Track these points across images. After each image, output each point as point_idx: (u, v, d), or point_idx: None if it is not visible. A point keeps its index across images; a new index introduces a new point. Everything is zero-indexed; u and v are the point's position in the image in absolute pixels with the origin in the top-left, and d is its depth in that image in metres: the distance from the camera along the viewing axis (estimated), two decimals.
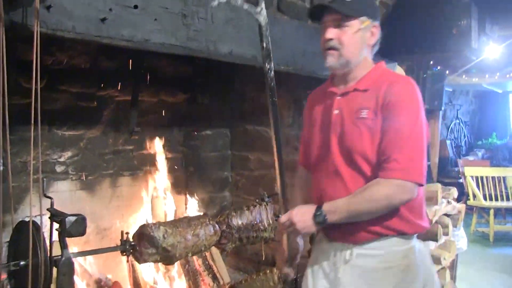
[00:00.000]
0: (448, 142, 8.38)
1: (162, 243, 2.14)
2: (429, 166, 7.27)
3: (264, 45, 1.90)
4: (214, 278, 3.30)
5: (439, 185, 3.10)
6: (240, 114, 4.07)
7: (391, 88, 1.67)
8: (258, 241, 2.64)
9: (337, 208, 1.67)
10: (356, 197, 1.65)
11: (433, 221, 3.08)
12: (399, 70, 6.33)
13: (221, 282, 3.25)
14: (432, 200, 3.04)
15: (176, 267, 3.29)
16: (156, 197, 3.47)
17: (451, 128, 9.15)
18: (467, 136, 9.61)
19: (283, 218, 1.81)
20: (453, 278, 3.87)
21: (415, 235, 1.80)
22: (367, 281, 1.72)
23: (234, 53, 2.41)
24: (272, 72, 1.95)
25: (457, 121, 9.30)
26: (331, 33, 1.74)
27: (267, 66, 1.92)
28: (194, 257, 3.27)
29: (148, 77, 3.17)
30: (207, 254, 3.37)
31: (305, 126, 2.10)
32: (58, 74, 2.74)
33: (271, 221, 2.66)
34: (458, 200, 7.13)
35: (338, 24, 1.73)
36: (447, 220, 3.23)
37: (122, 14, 1.90)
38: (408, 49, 3.59)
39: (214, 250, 3.39)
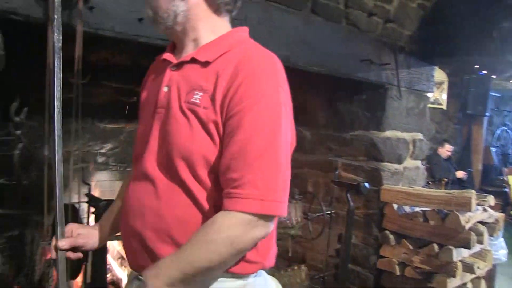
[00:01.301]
0: (493, 149, 8.15)
1: None
2: (471, 173, 7.13)
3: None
4: None
5: (473, 192, 3.05)
6: None
7: (240, 69, 1.14)
8: (285, 238, 2.70)
9: (160, 271, 1.12)
10: (187, 247, 1.12)
11: (466, 228, 3.04)
12: (440, 73, 6.25)
13: None
14: (465, 206, 3.01)
15: None
16: None
17: (498, 135, 8.89)
18: None
19: None
20: None
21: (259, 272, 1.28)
22: None
23: None
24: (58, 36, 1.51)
25: (505, 128, 9.02)
26: None
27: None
28: None
29: None
30: None
31: (140, 108, 1.43)
32: (101, 70, 2.89)
33: (299, 219, 2.72)
34: (503, 209, 6.98)
35: None
36: (482, 228, 3.18)
37: None
38: (449, 52, 3.55)
39: None
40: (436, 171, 6.33)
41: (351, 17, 3.02)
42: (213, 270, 1.13)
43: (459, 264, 3.08)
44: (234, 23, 2.29)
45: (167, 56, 1.29)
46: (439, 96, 6.36)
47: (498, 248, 3.64)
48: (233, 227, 1.09)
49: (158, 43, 1.99)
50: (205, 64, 1.20)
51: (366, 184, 2.96)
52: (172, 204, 1.17)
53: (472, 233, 3.04)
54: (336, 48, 2.89)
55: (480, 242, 3.16)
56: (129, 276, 1.43)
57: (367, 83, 3.32)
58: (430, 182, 6.32)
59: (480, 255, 3.36)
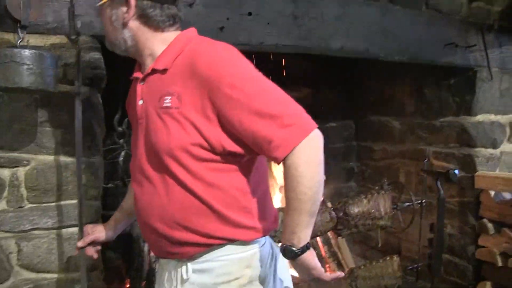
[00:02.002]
0: None
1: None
2: None
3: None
4: (339, 265, 3.44)
5: None
6: (363, 105, 4.16)
7: (197, 64, 1.30)
8: (374, 229, 2.72)
9: (290, 226, 1.32)
10: (291, 201, 1.31)
11: None
12: None
13: (346, 269, 3.38)
14: None
15: None
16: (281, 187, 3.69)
17: None
18: None
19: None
20: None
21: (260, 239, 1.46)
22: None
23: (346, 48, 2.53)
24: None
25: None
26: None
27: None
28: (320, 244, 3.45)
29: (274, 75, 3.41)
30: (333, 241, 3.53)
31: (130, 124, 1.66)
32: None
33: (388, 210, 2.73)
34: None
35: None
36: None
37: (238, 22, 2.14)
38: None
39: (340, 239, 3.54)
40: None
41: (431, 1, 2.97)
42: (321, 188, 1.32)
43: None
44: (310, 21, 2.38)
45: (135, 74, 1.50)
46: None
47: None
48: (302, 157, 1.25)
49: (240, 49, 2.09)
50: (164, 71, 1.39)
51: (456, 171, 2.90)
52: (170, 196, 1.37)
53: None
54: (417, 34, 2.86)
55: None
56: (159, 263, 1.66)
57: (453, 68, 3.23)
58: None
59: None
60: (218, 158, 1.34)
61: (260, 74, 1.34)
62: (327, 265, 3.42)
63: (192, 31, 1.48)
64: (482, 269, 3.38)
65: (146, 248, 2.82)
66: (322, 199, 1.38)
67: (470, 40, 3.15)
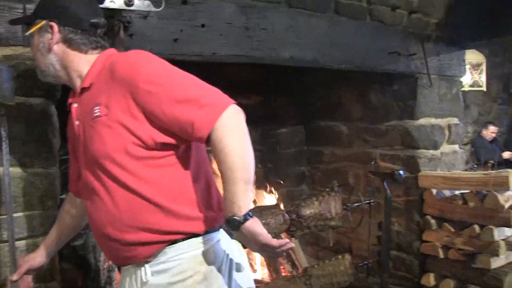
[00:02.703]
0: None
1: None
2: None
3: None
4: (293, 265, 3.55)
5: (510, 171, 3.11)
6: (313, 111, 4.31)
7: (116, 70, 1.42)
8: (325, 229, 2.85)
9: (228, 197, 1.37)
10: (228, 169, 1.35)
11: (506, 207, 3.10)
12: (477, 56, 6.21)
13: (300, 269, 3.50)
14: (503, 186, 3.06)
15: (258, 256, 3.58)
16: None
17: None
18: None
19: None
20: None
21: (213, 233, 1.51)
22: None
23: (295, 58, 2.65)
24: None
25: None
26: None
27: None
28: None
29: (223, 83, 3.48)
30: None
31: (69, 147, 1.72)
32: None
33: (339, 211, 2.86)
34: None
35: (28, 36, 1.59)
36: None
37: (192, 33, 2.22)
38: (481, 34, 3.58)
39: (293, 240, 3.66)
40: (481, 154, 6.29)
41: (375, 13, 3.14)
42: (250, 154, 1.38)
43: (502, 243, 3.14)
44: (261, 32, 2.48)
45: (69, 100, 1.58)
46: (478, 78, 6.31)
47: None
48: (226, 128, 1.33)
49: (194, 59, 2.21)
50: (91, 86, 1.49)
51: (401, 172, 3.07)
52: (115, 200, 1.42)
53: None
54: (363, 44, 3.02)
55: None
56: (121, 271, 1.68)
57: (396, 74, 3.43)
58: (475, 165, 6.29)
59: None
60: (154, 154, 1.40)
61: (173, 67, 1.43)
62: (282, 267, 3.53)
63: (111, 50, 1.59)
64: (427, 262, 3.59)
65: (102, 257, 2.83)
66: (253, 166, 1.39)
67: (411, 49, 3.36)
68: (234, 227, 1.36)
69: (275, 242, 1.39)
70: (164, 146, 1.41)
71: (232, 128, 1.35)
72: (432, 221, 3.49)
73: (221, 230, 1.55)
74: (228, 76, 3.62)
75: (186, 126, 1.34)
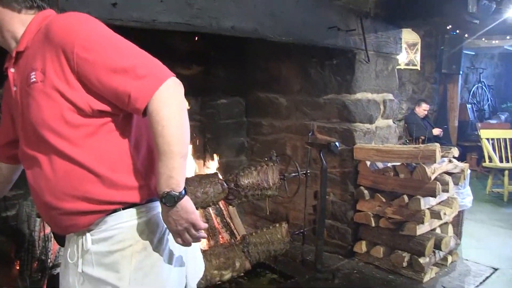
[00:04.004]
0: (468, 106, 8.38)
1: None
2: (447, 130, 7.40)
3: None
4: (232, 234, 3.61)
5: (437, 145, 3.29)
6: (253, 83, 4.34)
7: (51, 32, 1.34)
8: (262, 198, 2.92)
9: (165, 172, 1.35)
10: (161, 146, 1.33)
11: (432, 178, 3.29)
12: (413, 35, 6.42)
13: (238, 237, 3.56)
14: (431, 159, 3.24)
15: None
16: None
17: (473, 92, 9.14)
18: (491, 99, 9.55)
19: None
20: (459, 233, 4.10)
21: (155, 202, 1.48)
22: (108, 269, 1.41)
23: (236, 27, 2.64)
24: None
25: (480, 84, 9.25)
26: None
27: None
28: (213, 216, 3.60)
29: (164, 52, 3.44)
30: (225, 213, 3.70)
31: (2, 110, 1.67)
32: None
33: (276, 180, 2.93)
34: (478, 162, 7.26)
35: None
36: (448, 178, 3.43)
37: None
38: (416, 14, 3.71)
39: (232, 209, 3.72)
40: (414, 130, 6.57)
41: None
42: (187, 128, 1.37)
43: (427, 212, 3.34)
44: (203, 0, 2.45)
45: (6, 64, 1.51)
46: (413, 57, 6.55)
47: (465, 196, 3.90)
48: (163, 100, 1.31)
49: (132, 25, 2.17)
50: (26, 50, 1.42)
51: (337, 144, 3.18)
52: (54, 168, 1.37)
53: (438, 183, 3.29)
54: (303, 17, 3.05)
55: (446, 191, 3.41)
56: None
57: (336, 49, 3.50)
58: (408, 141, 6.58)
59: (447, 203, 3.62)
60: (92, 121, 1.36)
61: (111, 32, 1.37)
62: (220, 235, 3.58)
63: (49, 11, 1.50)
64: (359, 230, 3.76)
65: (37, 227, 2.76)
66: (189, 142, 1.40)
67: (350, 24, 3.43)
68: (170, 202, 1.35)
69: (202, 223, 1.43)
70: (102, 113, 1.36)
71: (170, 101, 1.32)
72: (366, 192, 3.64)
73: None
74: (168, 45, 3.58)
75: (123, 97, 1.31)
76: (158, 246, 1.47)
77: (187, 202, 1.38)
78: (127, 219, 1.42)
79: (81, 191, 1.37)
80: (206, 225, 1.46)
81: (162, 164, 1.34)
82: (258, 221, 4.44)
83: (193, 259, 1.66)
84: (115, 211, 1.41)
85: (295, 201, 3.96)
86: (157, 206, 1.47)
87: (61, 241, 1.61)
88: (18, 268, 2.76)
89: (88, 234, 1.43)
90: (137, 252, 1.42)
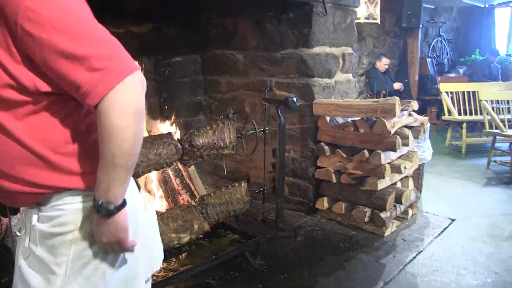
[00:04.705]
0: (428, 60, 8.40)
1: None
2: (408, 84, 7.43)
3: None
4: (192, 195, 3.52)
5: (397, 98, 3.24)
6: (208, 39, 4.17)
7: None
8: (219, 158, 2.82)
9: (104, 181, 1.18)
10: (104, 154, 1.16)
11: (392, 132, 3.26)
12: None
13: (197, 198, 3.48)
14: (390, 113, 3.20)
15: (155, 186, 3.51)
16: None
17: (433, 46, 9.16)
18: (450, 53, 9.61)
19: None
20: (419, 186, 4.13)
21: None
22: (48, 251, 1.27)
23: None
24: None
25: (439, 38, 9.26)
26: None
27: None
28: (172, 177, 3.50)
29: (114, 10, 3.22)
30: (185, 174, 3.60)
31: None
32: None
33: (233, 139, 2.83)
34: (438, 116, 7.35)
35: None
36: (408, 132, 3.40)
37: None
38: None
39: (191, 170, 3.62)
40: (374, 85, 6.56)
41: None
42: (136, 150, 1.18)
43: (388, 166, 3.32)
44: None
45: None
46: (373, 10, 6.45)
47: (425, 149, 3.91)
48: (115, 106, 1.10)
49: None
50: None
51: (294, 99, 3.08)
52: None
53: (398, 137, 3.27)
54: None
55: (406, 144, 3.40)
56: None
57: (292, 2, 3.38)
58: (369, 95, 6.58)
59: (408, 156, 3.62)
60: (40, 98, 1.16)
61: (71, 5, 1.10)
62: (180, 197, 3.49)
63: None
64: (321, 187, 3.74)
65: None
66: (139, 152, 1.20)
67: None
68: (102, 213, 1.20)
69: (130, 241, 1.28)
70: (46, 94, 1.16)
71: (124, 105, 1.11)
72: (326, 148, 3.60)
73: None
74: (119, 2, 3.37)
75: (72, 88, 1.11)
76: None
77: (120, 218, 1.23)
78: (71, 201, 1.26)
79: (20, 172, 1.21)
80: (134, 246, 1.29)
81: (103, 172, 1.17)
82: (219, 180, 4.36)
83: (147, 248, 1.46)
84: (61, 193, 1.25)
85: (256, 159, 3.90)
86: None
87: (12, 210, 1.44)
88: None
89: (35, 210, 1.28)
90: (78, 240, 1.26)
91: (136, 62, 1.23)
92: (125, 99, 1.11)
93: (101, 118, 1.11)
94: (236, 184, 3.04)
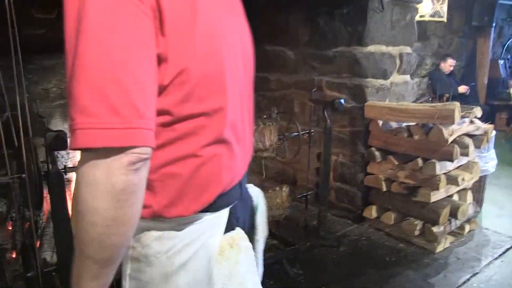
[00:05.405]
0: (500, 62, 7.82)
1: None
2: (475, 88, 6.96)
3: None
4: None
5: (456, 103, 2.96)
6: (259, 35, 4.02)
7: None
8: (258, 160, 2.69)
9: (75, 278, 0.90)
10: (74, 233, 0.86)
11: (450, 141, 2.99)
12: None
13: None
14: (448, 119, 2.94)
15: None
16: None
17: (508, 46, 8.54)
18: None
19: None
20: (480, 200, 3.80)
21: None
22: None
23: None
24: None
25: None
26: None
27: None
28: None
29: None
30: None
31: None
32: None
33: (273, 141, 2.68)
34: (508, 122, 6.85)
35: None
36: (468, 141, 3.12)
37: None
38: None
39: None
40: (438, 87, 6.19)
41: None
42: (119, 229, 0.84)
43: (443, 177, 3.07)
44: None
45: None
46: (440, 8, 6.06)
47: (488, 160, 3.58)
48: (91, 174, 0.79)
49: None
50: None
51: (341, 101, 2.89)
52: None
53: (456, 145, 3.00)
54: None
55: (465, 154, 3.11)
56: None
57: None
58: (431, 98, 6.21)
59: (467, 167, 3.33)
60: None
61: (111, 22, 0.76)
62: None
63: None
64: (370, 194, 3.52)
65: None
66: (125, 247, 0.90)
67: None
68: None
69: None
70: None
71: (99, 181, 0.78)
72: (377, 153, 3.38)
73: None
74: None
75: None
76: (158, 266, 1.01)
77: None
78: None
79: None
80: None
81: (73, 257, 0.88)
82: (265, 181, 4.23)
83: None
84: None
85: (303, 161, 3.73)
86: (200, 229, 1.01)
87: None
88: (10, 228, 2.69)
89: None
90: (133, 258, 1.03)
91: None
92: (102, 173, 0.78)
93: (76, 178, 0.82)
94: (277, 188, 2.90)
